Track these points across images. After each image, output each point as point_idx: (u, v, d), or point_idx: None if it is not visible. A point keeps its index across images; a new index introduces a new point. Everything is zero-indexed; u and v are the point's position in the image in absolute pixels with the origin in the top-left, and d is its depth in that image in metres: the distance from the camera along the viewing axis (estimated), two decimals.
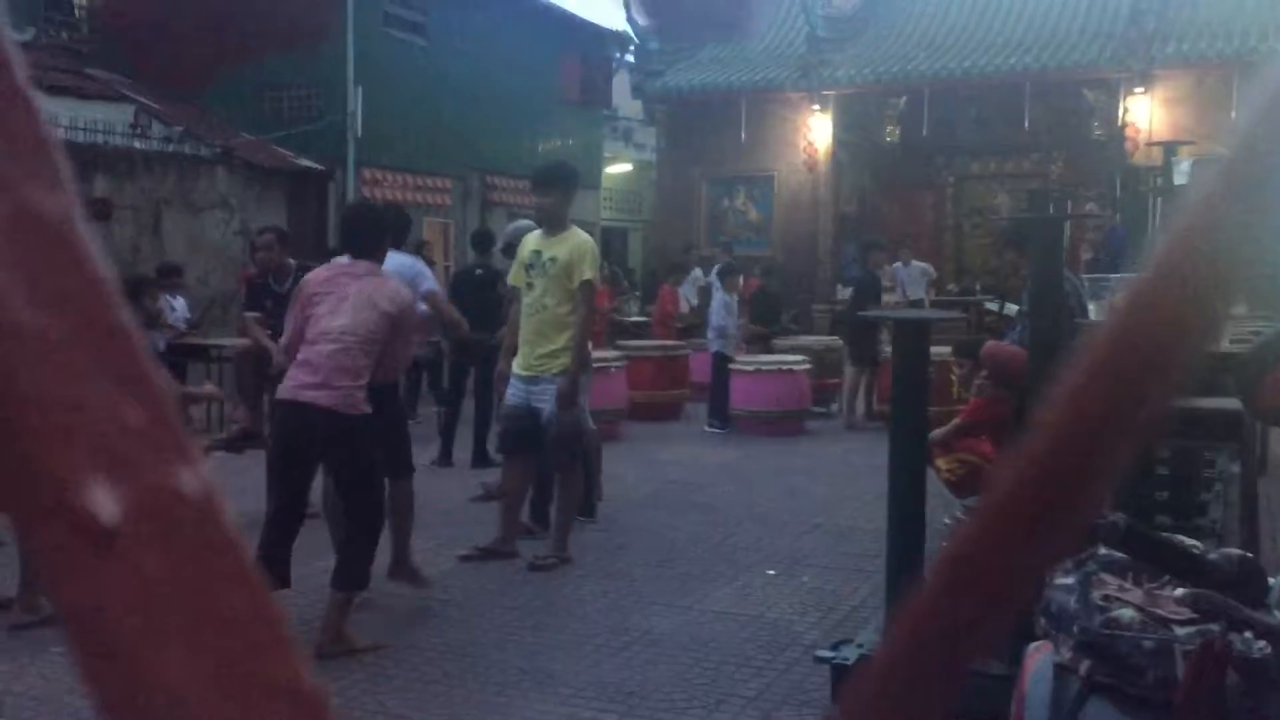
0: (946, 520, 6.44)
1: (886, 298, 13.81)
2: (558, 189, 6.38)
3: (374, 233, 5.28)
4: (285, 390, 4.94)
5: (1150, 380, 0.34)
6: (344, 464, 5.03)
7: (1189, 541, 1.79)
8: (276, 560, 4.88)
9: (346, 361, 4.83)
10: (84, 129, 12.44)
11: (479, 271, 9.58)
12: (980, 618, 0.34)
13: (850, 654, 4.32)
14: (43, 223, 0.28)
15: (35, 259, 0.28)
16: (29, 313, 0.28)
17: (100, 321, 0.29)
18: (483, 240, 10.04)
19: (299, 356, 4.95)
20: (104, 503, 0.28)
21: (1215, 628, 1.62)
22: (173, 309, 10.79)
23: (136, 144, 13.23)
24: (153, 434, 0.29)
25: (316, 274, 5.23)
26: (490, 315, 8.91)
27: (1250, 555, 1.67)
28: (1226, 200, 0.34)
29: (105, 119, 12.95)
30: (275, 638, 0.30)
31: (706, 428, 11.60)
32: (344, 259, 5.31)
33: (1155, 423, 0.36)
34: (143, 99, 14.01)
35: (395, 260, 6.01)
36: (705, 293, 13.90)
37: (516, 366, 6.36)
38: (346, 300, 4.92)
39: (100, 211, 12.16)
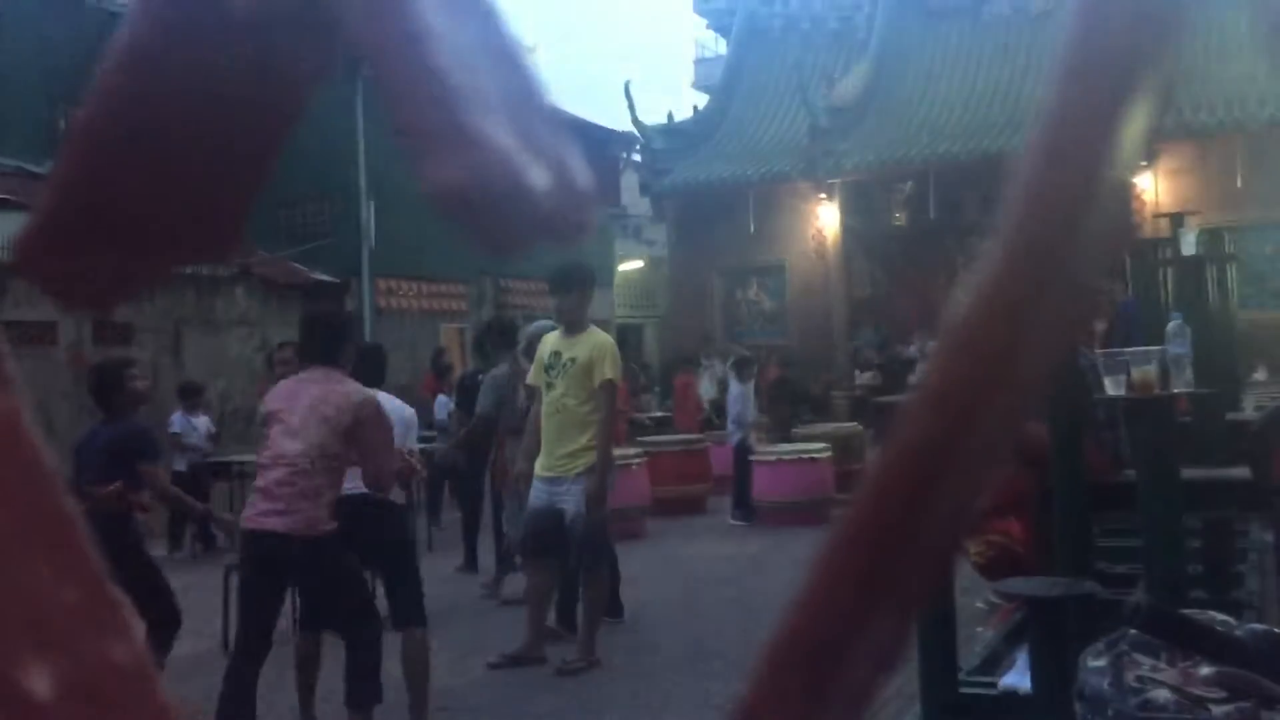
0: (979, 604, 6.36)
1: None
2: (576, 289, 6.44)
3: (329, 337, 4.98)
4: (246, 519, 4.77)
5: (981, 412, 0.33)
6: (317, 587, 4.83)
7: (1217, 617, 1.77)
8: (241, 697, 4.67)
9: (303, 484, 4.59)
10: None
11: (481, 376, 9.62)
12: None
13: None
14: None
15: None
16: None
17: (43, 511, 0.31)
18: (493, 340, 10.08)
19: (258, 483, 4.78)
20: (38, 678, 0.29)
21: (1249, 705, 1.60)
22: (194, 428, 10.87)
23: None
24: (87, 611, 0.30)
25: (275, 390, 5.00)
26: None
27: (1277, 631, 1.65)
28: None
29: None
30: None
31: (731, 520, 11.52)
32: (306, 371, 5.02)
33: (991, 461, 0.35)
34: None
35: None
36: (723, 385, 13.93)
37: (539, 468, 6.36)
38: (296, 417, 4.69)
39: (121, 336, 12.32)
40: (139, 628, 0.32)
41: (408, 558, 5.43)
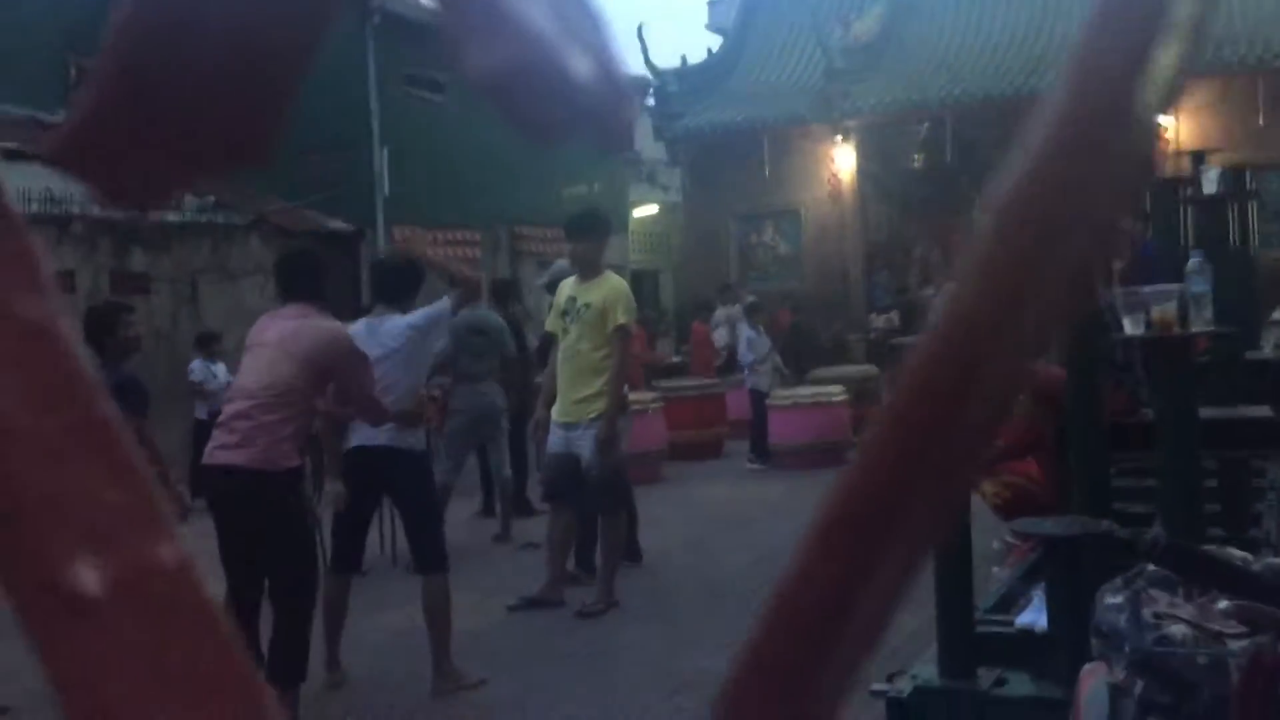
0: (995, 544, 6.38)
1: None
2: (591, 236, 6.44)
3: (305, 274, 4.93)
4: (207, 455, 4.63)
5: (972, 393, 0.32)
6: (268, 529, 4.55)
7: (1234, 553, 1.77)
8: (243, 644, 4.57)
9: (261, 418, 4.46)
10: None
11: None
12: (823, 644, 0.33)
13: (905, 686, 4.27)
14: (29, 326, 0.31)
15: (25, 361, 0.30)
16: (23, 414, 0.30)
17: (85, 414, 0.31)
18: (504, 290, 10.11)
19: (220, 418, 4.71)
20: (88, 577, 0.30)
21: (1266, 639, 1.60)
22: (214, 375, 10.93)
23: (170, 217, 13.46)
24: (132, 513, 0.31)
25: (255, 326, 4.94)
26: (515, 364, 8.98)
27: None
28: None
29: None
30: (257, 704, 0.32)
31: (748, 464, 11.56)
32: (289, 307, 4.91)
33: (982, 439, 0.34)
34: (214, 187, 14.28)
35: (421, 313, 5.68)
36: (734, 330, 13.93)
37: (555, 413, 6.39)
38: (266, 350, 4.62)
39: (138, 286, 12.37)
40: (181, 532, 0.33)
41: (429, 504, 5.37)
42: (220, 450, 4.53)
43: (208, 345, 11.17)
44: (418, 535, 5.28)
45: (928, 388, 0.33)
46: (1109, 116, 0.33)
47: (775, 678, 0.34)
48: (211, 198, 14.05)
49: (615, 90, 0.35)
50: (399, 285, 5.60)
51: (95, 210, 12.22)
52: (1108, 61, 0.32)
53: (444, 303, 5.54)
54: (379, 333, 5.27)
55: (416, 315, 5.54)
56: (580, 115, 0.34)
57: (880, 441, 0.33)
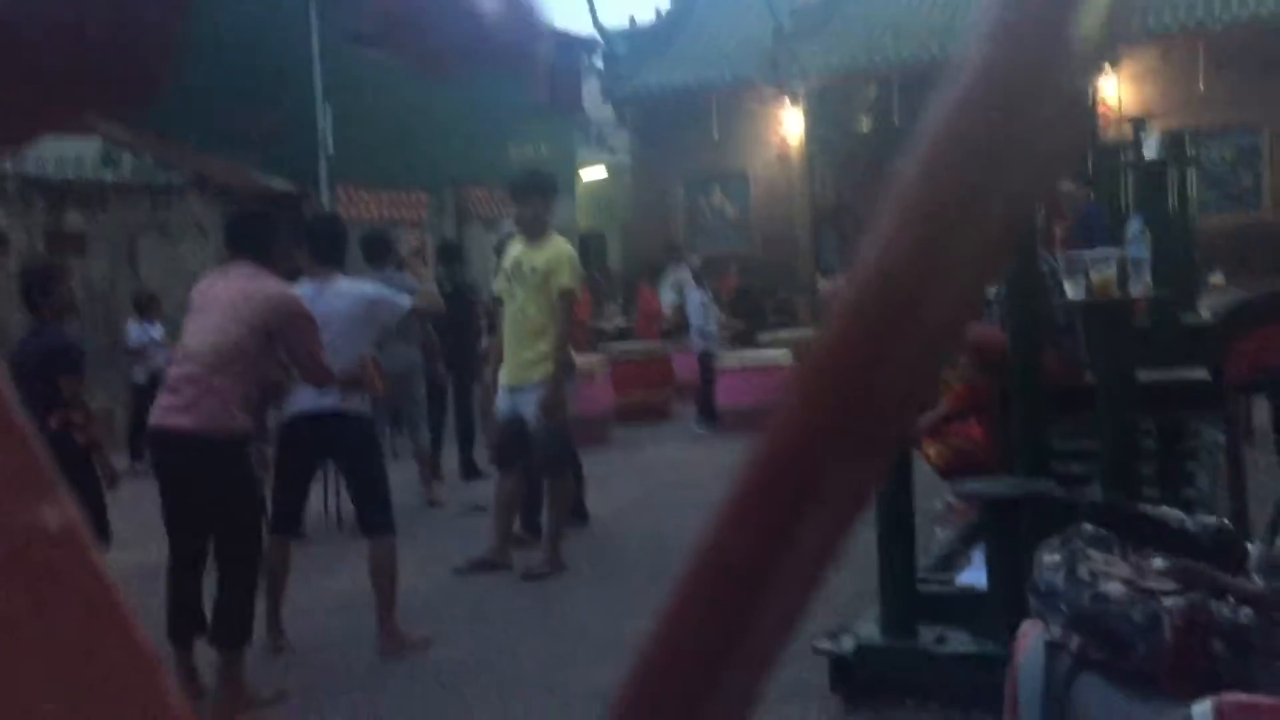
0: (938, 505, 6.46)
1: None
2: (536, 197, 6.39)
3: (256, 233, 4.82)
4: (153, 417, 4.57)
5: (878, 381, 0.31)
6: (213, 492, 4.50)
7: (1169, 512, 1.80)
8: (187, 607, 4.55)
9: (210, 380, 4.40)
10: (54, 163, 12.39)
11: (446, 287, 9.57)
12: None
13: (847, 643, 4.33)
14: None
15: None
16: None
17: None
18: (449, 253, 10.04)
19: (169, 377, 4.62)
20: None
21: (1199, 596, 1.63)
22: (151, 338, 10.75)
23: (108, 176, 13.18)
24: (16, 476, 0.29)
25: (199, 285, 4.86)
26: (461, 327, 8.93)
27: (1227, 523, 1.68)
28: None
29: (76, 153, 12.90)
30: (143, 668, 0.30)
31: (695, 427, 11.61)
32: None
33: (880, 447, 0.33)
34: (111, 131, 13.96)
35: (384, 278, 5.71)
36: (682, 293, 13.93)
37: (502, 376, 6.37)
38: (214, 312, 4.53)
39: (75, 246, 12.12)
40: (72, 498, 0.31)
41: (375, 468, 5.31)
42: (166, 413, 4.47)
43: (145, 307, 10.96)
44: (364, 499, 5.25)
45: (845, 343, 0.31)
46: (1031, 71, 0.32)
47: (673, 683, 0.33)
48: (149, 157, 13.78)
49: (523, 20, 0.33)
50: (337, 244, 5.54)
51: (29, 169, 11.94)
52: (1032, 13, 0.31)
53: (406, 301, 5.61)
54: (326, 294, 5.20)
55: (372, 288, 5.53)
56: (484, 45, 0.33)
57: (797, 401, 0.32)
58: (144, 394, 10.46)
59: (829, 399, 0.31)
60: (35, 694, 0.28)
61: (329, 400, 5.05)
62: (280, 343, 4.64)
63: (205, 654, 4.60)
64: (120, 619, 0.30)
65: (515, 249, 6.44)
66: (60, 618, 0.29)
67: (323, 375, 4.79)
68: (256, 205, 5.34)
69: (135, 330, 10.82)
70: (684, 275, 14.16)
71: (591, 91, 22.22)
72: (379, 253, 7.99)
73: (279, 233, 5.07)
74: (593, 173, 23.87)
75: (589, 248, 22.08)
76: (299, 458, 5.28)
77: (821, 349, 0.31)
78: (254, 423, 4.87)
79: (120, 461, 10.71)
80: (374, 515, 5.17)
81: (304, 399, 5.13)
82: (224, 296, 4.56)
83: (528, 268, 6.27)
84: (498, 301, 6.63)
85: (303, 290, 5.07)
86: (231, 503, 4.54)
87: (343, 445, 5.26)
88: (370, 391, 5.27)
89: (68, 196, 12.24)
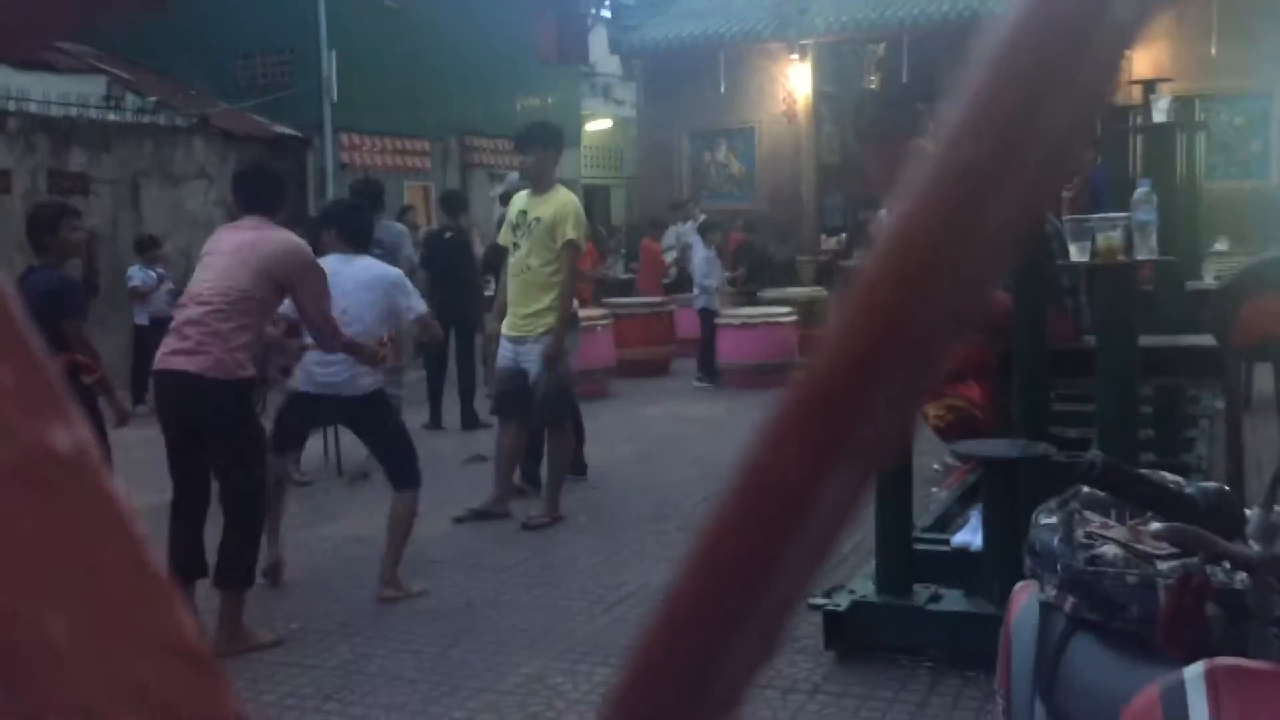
0: (935, 466, 6.49)
1: None
2: (541, 147, 6.36)
3: (265, 188, 4.88)
4: (159, 359, 4.59)
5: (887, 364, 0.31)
6: (219, 437, 4.55)
7: (1168, 477, 1.81)
8: (189, 549, 4.59)
9: (214, 324, 4.43)
10: (58, 103, 12.32)
11: (448, 234, 9.54)
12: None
13: (842, 600, 4.36)
14: None
15: None
16: None
17: None
18: (452, 202, 10.00)
19: (175, 321, 4.63)
20: None
21: (1195, 561, 1.65)
22: (154, 280, 10.75)
23: (111, 116, 13.10)
24: (25, 394, 0.29)
25: (211, 238, 4.92)
26: (461, 277, 8.92)
27: (1227, 488, 1.69)
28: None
29: (79, 92, 12.82)
30: (155, 592, 0.30)
31: (695, 383, 11.62)
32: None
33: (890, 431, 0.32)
34: (115, 70, 13.87)
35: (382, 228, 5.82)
36: (684, 248, 13.89)
37: (505, 328, 6.37)
38: (220, 260, 4.57)
39: (77, 186, 12.08)
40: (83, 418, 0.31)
41: (390, 431, 5.32)
42: (172, 355, 4.49)
43: (147, 250, 10.95)
44: (388, 460, 5.29)
45: (877, 301, 0.32)
46: (1069, 33, 0.32)
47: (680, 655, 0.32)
48: (153, 98, 13.69)
49: None
50: (367, 231, 5.68)
51: (32, 107, 11.87)
52: None
53: (421, 305, 5.83)
54: (353, 266, 5.33)
55: (398, 274, 5.67)
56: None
57: (831, 353, 0.32)
58: (146, 336, 10.46)
59: (882, 316, 0.31)
60: (40, 612, 0.28)
61: (338, 375, 5.08)
62: (290, 294, 4.67)
63: (206, 602, 4.64)
64: (132, 544, 0.30)
65: (521, 200, 6.42)
66: (68, 537, 0.29)
67: (332, 334, 4.80)
68: (264, 159, 5.35)
69: (137, 272, 10.81)
70: (686, 230, 14.12)
71: (599, 43, 22.04)
72: (369, 198, 7.97)
73: (286, 186, 5.15)
74: (599, 125, 23.73)
75: (594, 200, 22.00)
76: (303, 423, 5.47)
77: (875, 262, 0.32)
78: (258, 372, 4.89)
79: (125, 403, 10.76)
80: (402, 472, 5.25)
81: (313, 375, 5.17)
82: (232, 246, 4.61)
83: (532, 219, 6.25)
84: (500, 251, 6.63)
85: (327, 263, 5.08)
86: (235, 446, 4.57)
87: (356, 422, 5.36)
88: (381, 366, 5.28)
89: (71, 136, 12.18)
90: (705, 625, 0.32)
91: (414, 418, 8.70)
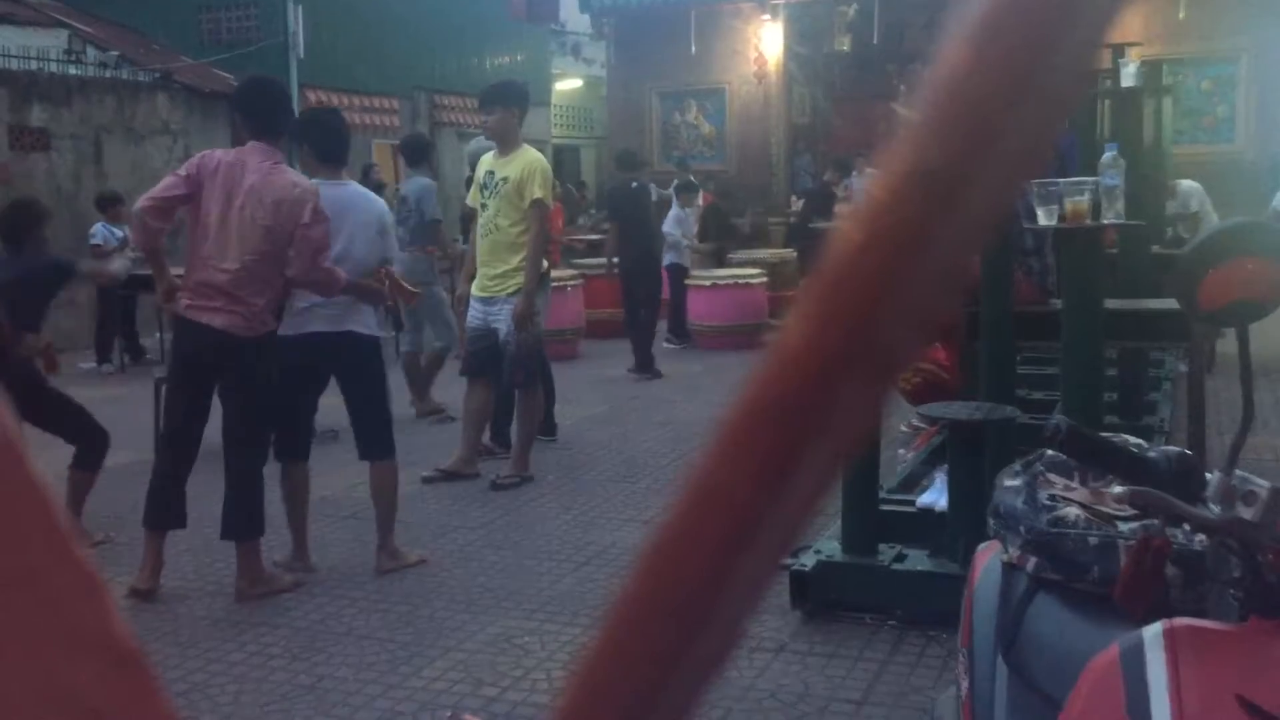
0: (903, 427, 6.54)
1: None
2: (504, 106, 6.31)
3: (272, 107, 4.74)
4: (183, 309, 4.60)
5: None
6: (233, 386, 4.65)
7: (1130, 440, 1.83)
8: (169, 495, 4.62)
9: (238, 292, 4.51)
10: (18, 56, 12.09)
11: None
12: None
13: (808, 559, 4.40)
14: None
15: None
16: None
17: None
18: (416, 146, 9.84)
19: (195, 277, 4.55)
20: None
21: (1155, 523, 1.67)
22: (116, 238, 10.61)
23: (73, 70, 12.88)
24: None
25: (216, 157, 4.66)
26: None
27: (1188, 452, 1.71)
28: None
29: (39, 45, 12.59)
30: (84, 590, 0.29)
31: (665, 343, 11.63)
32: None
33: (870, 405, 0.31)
34: (77, 24, 13.62)
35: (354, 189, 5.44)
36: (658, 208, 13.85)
37: (475, 288, 6.35)
38: (236, 211, 4.49)
39: (38, 142, 11.88)
40: (5, 405, 0.30)
41: (377, 390, 5.16)
42: (197, 310, 4.55)
43: (110, 207, 10.76)
44: (365, 423, 5.08)
45: (838, 306, 0.30)
46: (1043, 26, 0.31)
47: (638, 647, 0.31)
48: (115, 52, 13.46)
49: None
50: (343, 141, 5.31)
51: None
52: None
53: (398, 252, 5.92)
54: (343, 195, 5.06)
55: (389, 213, 5.56)
56: None
57: (785, 360, 0.30)
58: (109, 295, 10.35)
59: (845, 319, 0.29)
60: None
61: (339, 320, 4.91)
62: (292, 245, 4.54)
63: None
64: (59, 540, 0.29)
65: (487, 161, 6.38)
66: None
67: (331, 282, 4.69)
68: (259, 77, 4.96)
69: (101, 230, 10.65)
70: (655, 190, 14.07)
71: (569, 2, 21.83)
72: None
73: (290, 107, 5.10)
74: (568, 84, 23.56)
75: (563, 160, 21.88)
76: (300, 379, 4.97)
77: (839, 262, 0.30)
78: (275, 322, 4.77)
79: (86, 362, 10.65)
80: (374, 440, 5.07)
81: (312, 320, 4.93)
82: (247, 187, 4.50)
83: (499, 179, 6.22)
84: (471, 212, 6.59)
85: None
86: (247, 396, 4.65)
87: (346, 365, 5.03)
88: (385, 302, 5.18)
89: (31, 91, 11.97)
90: (651, 648, 0.30)
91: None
